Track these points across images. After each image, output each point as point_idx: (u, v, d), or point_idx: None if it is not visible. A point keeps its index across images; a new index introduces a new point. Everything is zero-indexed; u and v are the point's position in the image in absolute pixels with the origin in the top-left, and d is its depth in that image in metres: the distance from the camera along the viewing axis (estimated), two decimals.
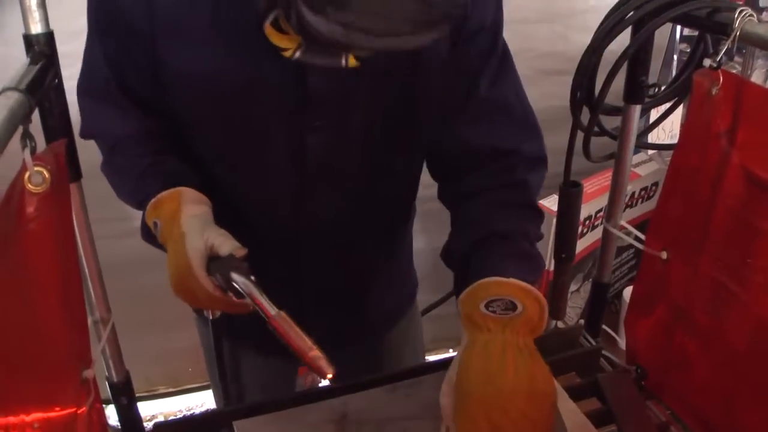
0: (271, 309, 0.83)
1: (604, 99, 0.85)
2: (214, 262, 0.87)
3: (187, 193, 0.95)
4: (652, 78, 0.99)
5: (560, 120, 1.80)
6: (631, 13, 0.83)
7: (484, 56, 1.03)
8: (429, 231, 2.28)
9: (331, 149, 1.03)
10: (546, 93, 2.12)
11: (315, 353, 0.80)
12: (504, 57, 1.07)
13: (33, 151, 0.63)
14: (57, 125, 0.71)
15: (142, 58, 0.97)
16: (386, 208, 1.16)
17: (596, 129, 0.92)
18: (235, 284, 0.85)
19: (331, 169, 1.05)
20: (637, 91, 0.92)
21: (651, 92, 0.94)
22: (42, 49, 0.68)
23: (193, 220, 0.90)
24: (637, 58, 0.88)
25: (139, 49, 0.96)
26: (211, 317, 1.03)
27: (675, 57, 1.68)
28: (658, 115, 1.02)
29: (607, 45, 0.83)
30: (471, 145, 1.04)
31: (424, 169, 1.17)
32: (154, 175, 0.99)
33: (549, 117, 2.07)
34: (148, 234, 0.98)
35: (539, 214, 1.02)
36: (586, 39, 2.10)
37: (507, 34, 1.83)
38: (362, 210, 1.13)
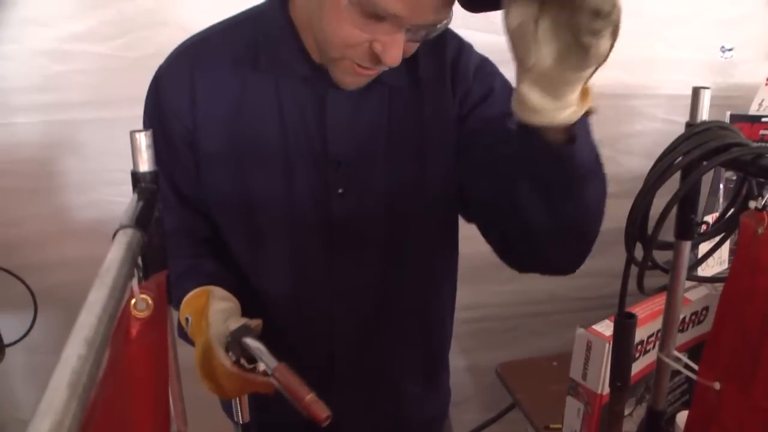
0: (274, 362, 0.91)
1: (656, 238, 0.90)
2: (231, 341, 0.96)
3: (216, 291, 1.06)
4: (700, 203, 1.05)
5: (609, 243, 1.85)
6: (680, 158, 0.90)
7: (503, 115, 1.10)
8: (469, 351, 2.31)
9: (355, 215, 1.12)
10: None
11: (311, 397, 0.87)
12: None
13: (139, 280, 0.71)
14: (155, 254, 0.79)
15: (189, 159, 1.12)
16: (416, 280, 1.23)
17: (649, 263, 0.96)
18: (245, 347, 0.94)
19: (357, 236, 1.14)
20: (687, 229, 0.97)
21: (700, 229, 0.99)
22: (148, 186, 0.77)
23: (218, 313, 1.01)
24: (687, 199, 0.94)
25: (185, 151, 1.12)
26: (241, 421, 1.08)
27: (721, 186, 1.73)
28: (708, 249, 1.06)
29: (658, 189, 0.89)
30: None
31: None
32: (191, 276, 1.10)
33: (599, 239, 2.13)
34: (182, 331, 1.06)
35: None
36: (634, 162, 2.20)
37: None
38: (391, 280, 1.20)
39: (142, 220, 0.69)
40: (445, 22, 0.93)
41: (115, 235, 0.66)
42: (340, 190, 1.11)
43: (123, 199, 1.82)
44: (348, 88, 1.05)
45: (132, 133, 0.75)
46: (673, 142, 0.91)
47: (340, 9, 0.91)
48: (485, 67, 1.16)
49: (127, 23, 1.74)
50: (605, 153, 2.18)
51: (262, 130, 1.09)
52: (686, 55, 2.20)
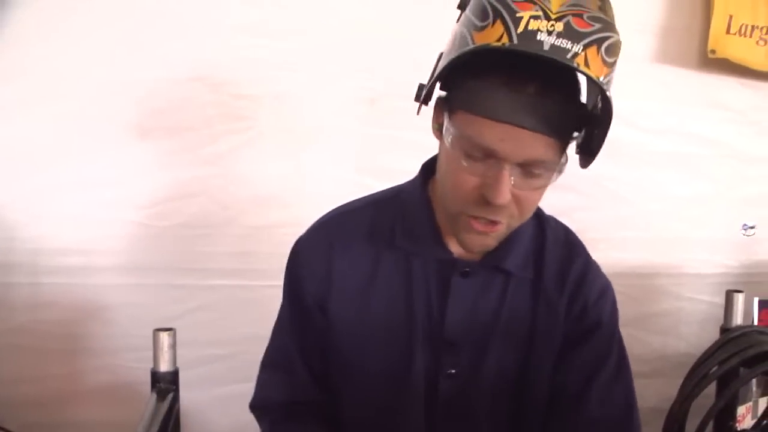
0: None
1: None
2: None
3: None
4: None
5: None
6: (716, 367, 0.87)
7: (599, 360, 1.14)
8: None
9: (461, 394, 1.13)
10: None
11: None
12: (620, 364, 1.18)
13: None
14: None
15: (320, 319, 1.15)
16: None
17: None
18: None
19: (459, 415, 1.14)
20: None
21: None
22: (167, 386, 0.75)
23: None
24: (725, 408, 0.91)
25: (318, 314, 1.15)
26: None
27: None
28: None
29: (695, 398, 0.86)
30: None
31: None
32: None
33: None
34: None
35: None
36: (660, 341, 2.14)
37: None
38: None
39: (159, 429, 0.67)
40: (551, 160, 0.94)
41: None
42: (451, 371, 1.12)
43: (141, 365, 1.80)
44: (474, 250, 1.07)
45: (155, 332, 0.75)
46: (710, 348, 0.89)
47: (450, 157, 0.97)
48: (606, 294, 1.19)
49: (159, 193, 1.80)
50: (631, 332, 2.17)
51: (389, 306, 1.13)
52: (709, 234, 2.22)
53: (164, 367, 0.76)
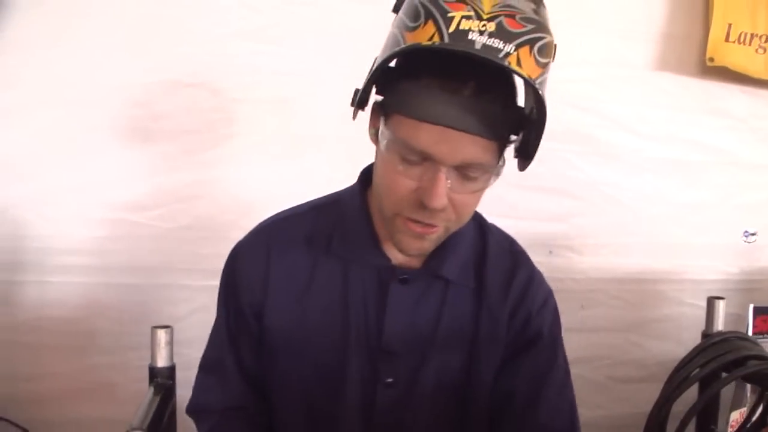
0: None
1: None
2: None
3: None
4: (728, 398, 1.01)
5: (630, 427, 1.79)
6: (697, 370, 0.89)
7: (546, 368, 1.14)
8: None
9: (399, 404, 1.11)
10: (618, 399, 2.15)
11: None
12: (565, 371, 1.16)
13: None
14: None
15: (255, 326, 1.13)
16: None
17: None
18: None
19: (397, 425, 1.12)
20: None
21: None
22: (164, 381, 0.78)
23: None
24: (705, 411, 0.93)
25: (253, 321, 1.13)
26: None
27: None
28: None
29: (675, 400, 0.88)
30: None
31: None
32: None
33: (620, 423, 2.07)
34: None
35: None
36: (660, 346, 2.15)
37: (582, 343, 1.87)
38: None
39: (154, 422, 0.70)
40: (487, 163, 0.94)
41: None
42: (388, 380, 1.11)
43: (145, 363, 1.84)
44: (409, 252, 1.04)
45: (153, 329, 0.78)
46: (690, 353, 0.91)
47: (386, 161, 0.96)
48: (548, 303, 1.18)
49: (163, 196, 1.82)
50: (632, 338, 2.19)
51: (325, 313, 1.11)
52: (710, 240, 2.23)
53: (161, 362, 0.78)
